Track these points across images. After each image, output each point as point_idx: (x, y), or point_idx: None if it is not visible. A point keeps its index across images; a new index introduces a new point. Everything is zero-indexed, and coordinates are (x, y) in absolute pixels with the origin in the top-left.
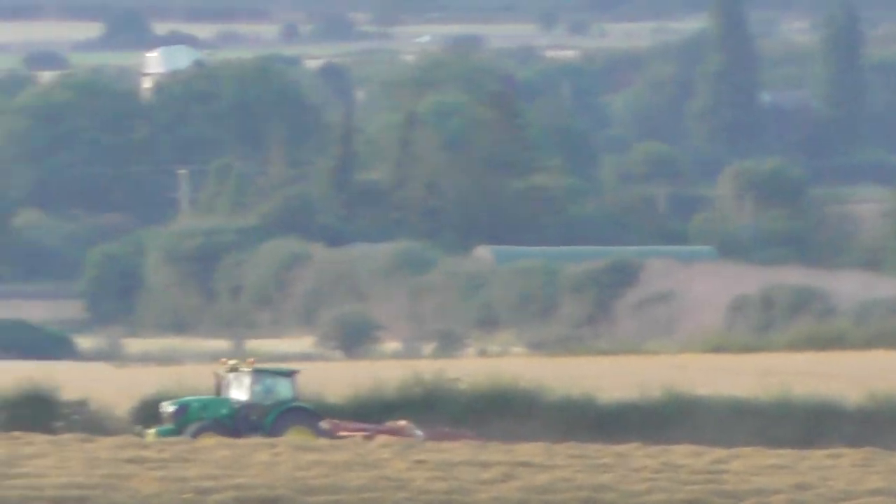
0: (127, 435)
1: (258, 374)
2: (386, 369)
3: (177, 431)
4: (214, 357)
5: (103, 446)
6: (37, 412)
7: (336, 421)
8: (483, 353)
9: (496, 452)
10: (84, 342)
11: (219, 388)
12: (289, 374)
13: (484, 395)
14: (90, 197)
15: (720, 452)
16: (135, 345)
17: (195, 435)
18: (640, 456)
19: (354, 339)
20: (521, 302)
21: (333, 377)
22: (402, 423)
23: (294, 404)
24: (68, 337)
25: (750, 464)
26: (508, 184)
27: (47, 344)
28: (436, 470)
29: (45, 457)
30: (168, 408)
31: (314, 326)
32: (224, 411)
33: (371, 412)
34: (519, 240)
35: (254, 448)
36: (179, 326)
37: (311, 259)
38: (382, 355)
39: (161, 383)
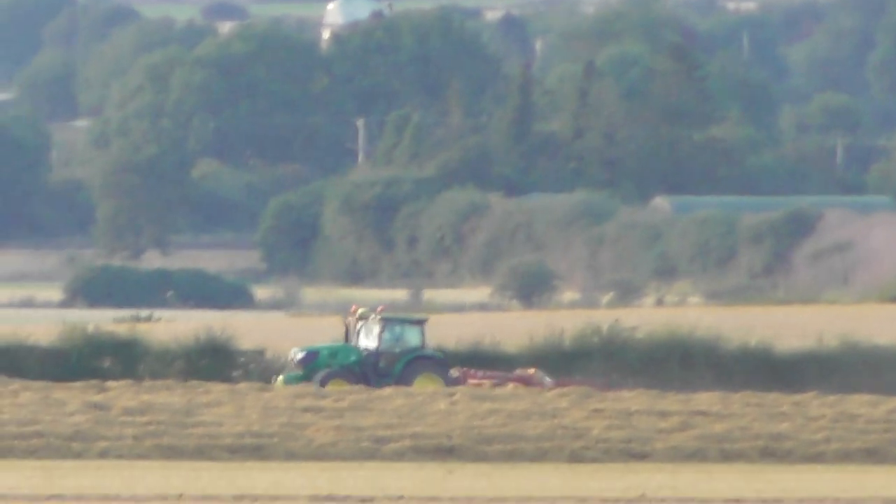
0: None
1: (387, 321)
2: (563, 319)
3: (305, 378)
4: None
5: (280, 395)
6: (214, 361)
7: (465, 369)
8: (660, 303)
9: (673, 402)
10: (261, 292)
11: (348, 335)
12: (418, 322)
13: (661, 344)
14: (268, 147)
15: None
16: (311, 295)
17: (324, 382)
18: (816, 405)
19: (531, 288)
20: (699, 252)
21: (510, 327)
22: (532, 370)
23: (423, 352)
24: (245, 287)
25: None
26: (687, 134)
27: (225, 294)
28: (613, 419)
29: (223, 405)
30: (297, 354)
31: (491, 276)
32: (353, 358)
33: (548, 362)
34: (697, 190)
35: (431, 397)
36: (356, 276)
37: (489, 209)
38: (560, 305)
39: (337, 333)
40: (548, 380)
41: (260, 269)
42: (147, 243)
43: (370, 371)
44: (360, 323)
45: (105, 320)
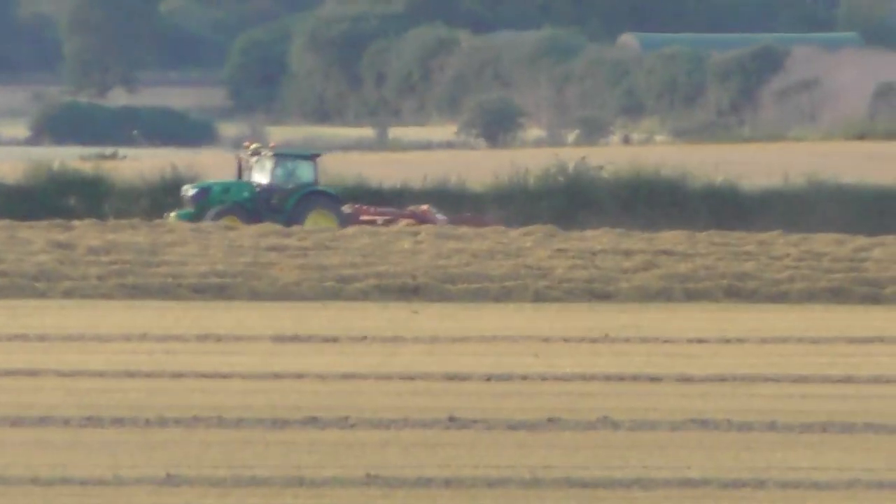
0: (267, 223)
1: (279, 157)
2: (529, 157)
3: (197, 215)
4: (359, 146)
5: (245, 234)
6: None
7: (358, 206)
8: (627, 141)
9: (638, 241)
10: (227, 129)
11: (240, 171)
12: (310, 157)
13: (627, 183)
14: None
15: (862, 241)
16: (278, 133)
17: (215, 218)
18: (781, 244)
19: (498, 126)
20: (666, 89)
21: (475, 165)
22: (424, 207)
23: (315, 188)
24: (212, 124)
25: (892, 252)
26: None
27: (191, 131)
28: (577, 258)
29: (187, 244)
30: (189, 191)
31: (458, 114)
32: (245, 195)
33: (512, 201)
34: (664, 26)
35: (395, 236)
36: (323, 114)
37: (457, 46)
38: (525, 143)
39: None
40: (440, 216)
41: (226, 106)
42: (114, 80)
43: (262, 207)
44: (253, 159)
45: (71, 158)
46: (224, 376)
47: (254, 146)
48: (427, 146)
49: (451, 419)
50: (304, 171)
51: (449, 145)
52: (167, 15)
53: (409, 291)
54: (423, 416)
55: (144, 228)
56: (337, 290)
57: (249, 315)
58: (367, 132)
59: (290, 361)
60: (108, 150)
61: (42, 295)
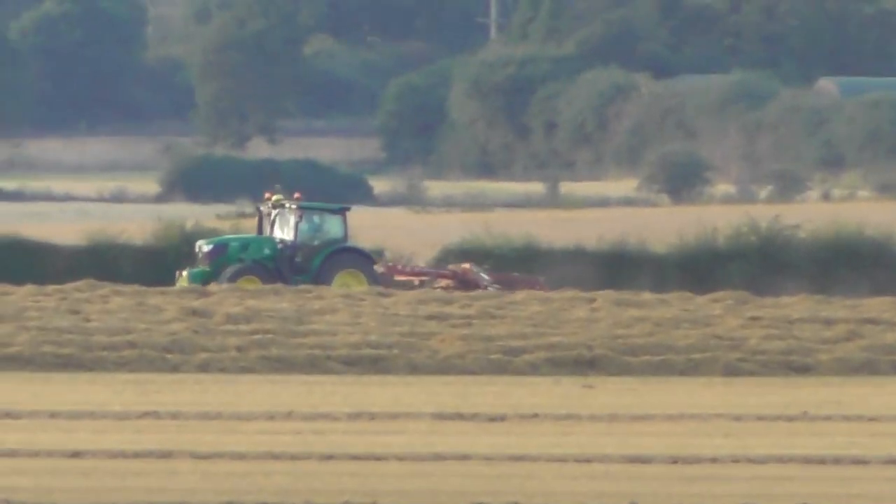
0: (427, 289)
1: (305, 210)
2: (717, 215)
3: (213, 274)
4: (527, 202)
5: (401, 301)
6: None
7: (391, 264)
8: (826, 197)
9: (840, 308)
10: (380, 185)
11: (261, 225)
12: (339, 210)
13: (826, 243)
14: (389, 22)
15: None
16: (436, 188)
17: (232, 278)
18: None
19: (682, 181)
20: (869, 139)
21: (657, 223)
22: (466, 265)
23: (345, 245)
24: (363, 179)
25: None
26: (856, 8)
27: (339, 187)
28: (772, 328)
29: (337, 312)
30: (204, 247)
31: (637, 167)
32: (266, 252)
33: (699, 262)
34: (867, 70)
35: (569, 302)
36: (486, 168)
37: (636, 92)
38: (713, 199)
39: (465, 231)
40: (485, 276)
41: (379, 159)
42: (252, 130)
43: (285, 266)
44: (275, 212)
45: (206, 216)
46: (379, 458)
47: (275, 198)
48: (603, 203)
49: None
50: (333, 226)
51: (628, 202)
52: (312, 58)
53: (585, 364)
54: (602, 502)
55: (289, 294)
56: (504, 362)
57: (407, 391)
58: (537, 187)
59: (452, 441)
60: (247, 208)
61: (175, 368)
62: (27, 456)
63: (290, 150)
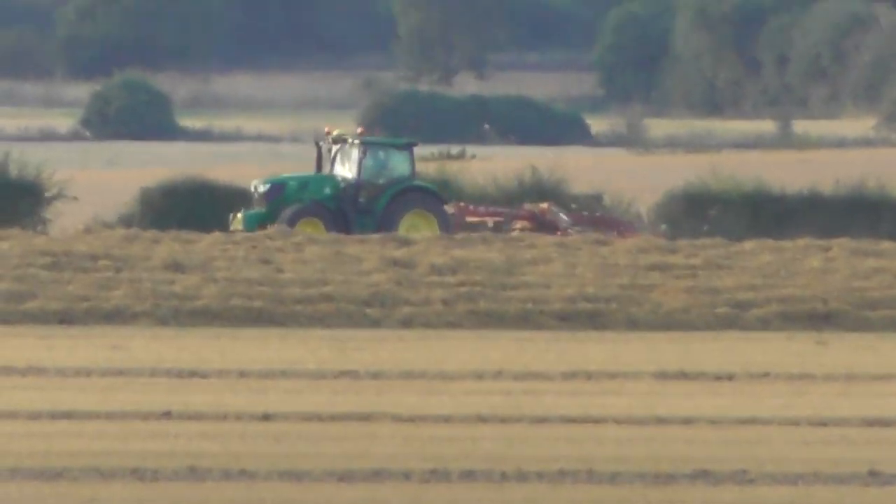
0: (648, 235)
1: (368, 146)
2: None
3: (269, 216)
4: (758, 142)
5: (620, 250)
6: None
7: (463, 204)
8: None
9: None
10: (598, 124)
11: (320, 163)
12: (406, 145)
13: None
14: None
15: None
16: (658, 127)
17: (292, 221)
18: None
19: None
20: None
21: None
22: (544, 205)
23: (412, 183)
24: (579, 117)
25: None
26: None
27: (554, 126)
28: None
29: (551, 262)
30: (260, 187)
31: (876, 105)
32: (327, 191)
33: None
34: None
35: (803, 252)
36: (713, 105)
37: (875, 23)
38: None
39: (690, 173)
40: (563, 216)
41: (596, 95)
42: (459, 64)
43: (349, 206)
44: (335, 147)
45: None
46: (596, 421)
47: (336, 132)
48: (840, 143)
49: (872, 473)
50: (399, 163)
51: (866, 142)
52: None
53: (819, 319)
54: (838, 470)
55: (499, 243)
56: (732, 317)
57: (626, 348)
58: (767, 126)
59: (675, 403)
60: (454, 149)
61: (376, 324)
62: (215, 419)
63: (501, 85)
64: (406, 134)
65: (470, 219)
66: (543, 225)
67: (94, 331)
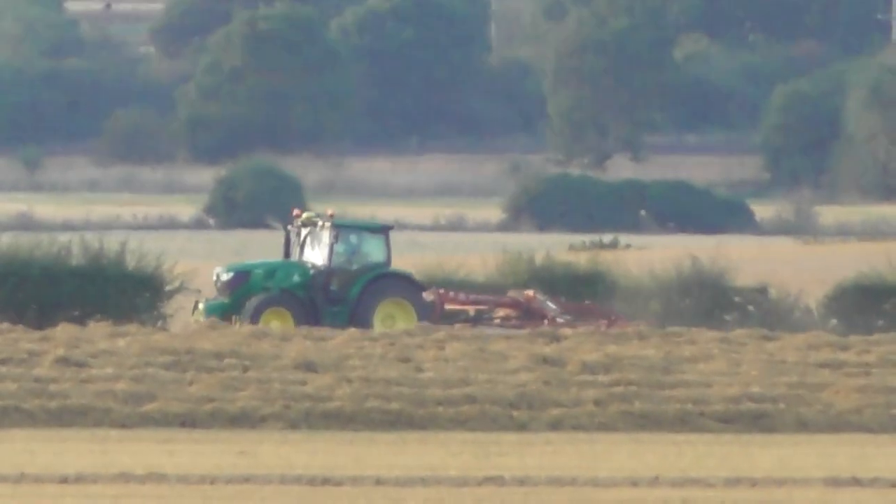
0: (818, 331)
1: (340, 229)
2: None
3: (233, 307)
4: None
5: (788, 346)
6: (702, 301)
7: (442, 291)
8: None
9: None
10: (763, 210)
11: (289, 249)
12: (380, 229)
13: None
14: (774, 19)
15: None
16: (828, 213)
17: (256, 312)
18: None
19: None
20: None
21: None
22: (530, 293)
23: (387, 270)
24: (743, 203)
25: None
26: None
27: (715, 212)
28: None
29: (712, 360)
30: (223, 275)
31: None
32: (296, 279)
33: None
34: None
35: None
36: (887, 189)
37: None
38: None
39: (862, 263)
40: (552, 305)
41: (761, 180)
42: (613, 146)
43: (318, 295)
44: (305, 231)
45: (558, 247)
46: None
47: (305, 215)
48: None
49: None
50: (373, 248)
51: None
52: (683, 62)
53: None
54: None
55: (655, 338)
56: None
57: (795, 452)
58: None
59: None
60: (607, 237)
61: (522, 426)
62: None
63: (657, 169)
64: (556, 221)
65: (450, 307)
66: (529, 313)
67: (219, 435)
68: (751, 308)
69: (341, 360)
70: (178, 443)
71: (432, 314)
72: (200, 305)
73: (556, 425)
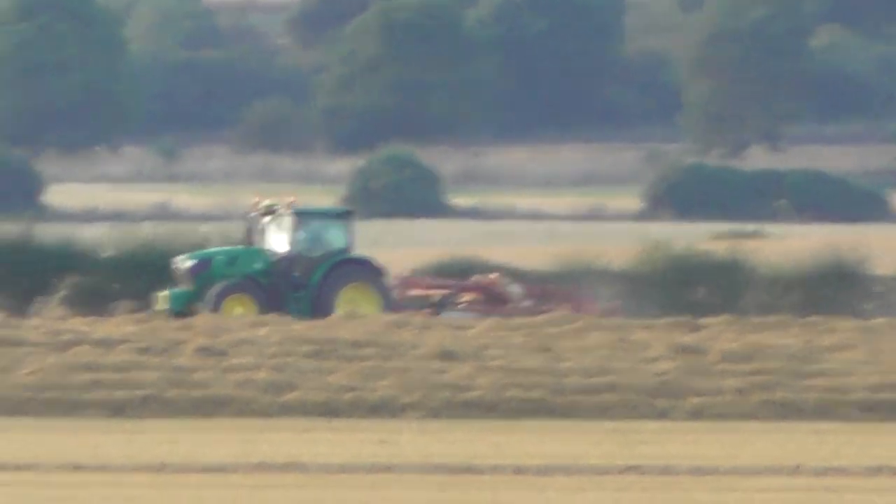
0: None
1: (301, 216)
2: None
3: (196, 295)
4: None
5: None
6: (841, 290)
7: (406, 277)
8: None
9: None
10: None
11: (250, 235)
12: (342, 214)
13: None
14: None
15: None
16: None
17: (219, 298)
18: None
19: None
20: None
21: None
22: (493, 276)
23: (349, 255)
24: (880, 193)
25: None
26: None
27: (854, 202)
28: None
29: (852, 349)
30: (184, 263)
31: None
32: (257, 266)
33: None
34: None
35: None
36: None
37: None
38: None
39: None
40: (515, 288)
41: None
42: (751, 136)
43: (281, 282)
44: (265, 219)
45: (697, 236)
46: None
47: (265, 203)
48: None
49: None
50: (335, 234)
51: None
52: (821, 52)
53: None
54: None
55: (796, 328)
56: None
57: None
58: None
59: None
60: (747, 227)
61: (663, 415)
62: None
63: (796, 159)
64: (694, 210)
65: (413, 292)
66: (493, 297)
67: (359, 424)
68: (894, 296)
69: (481, 349)
70: (318, 432)
71: (396, 299)
72: (163, 294)
73: (696, 414)
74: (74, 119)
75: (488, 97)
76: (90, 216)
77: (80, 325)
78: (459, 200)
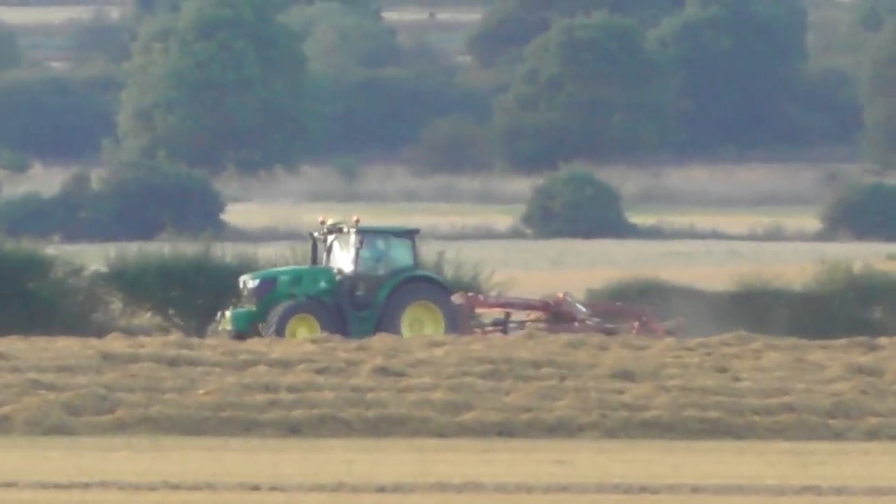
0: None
1: (366, 234)
2: None
3: (260, 315)
4: None
5: None
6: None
7: (472, 295)
8: None
9: None
10: None
11: (316, 255)
12: (406, 233)
13: None
14: None
15: None
16: None
17: (283, 319)
18: None
19: None
20: None
21: None
22: (561, 295)
23: (415, 273)
24: None
25: None
26: None
27: None
28: None
29: None
30: (249, 282)
31: None
32: (323, 285)
33: None
34: None
35: None
36: None
37: None
38: None
39: None
40: (581, 307)
41: None
42: None
43: (345, 301)
44: (331, 238)
45: (877, 257)
46: None
47: (331, 221)
48: None
49: None
50: (400, 252)
51: None
52: None
53: None
54: None
55: None
56: None
57: None
58: None
59: None
60: None
61: (839, 436)
62: None
63: None
64: (872, 230)
65: (480, 310)
66: (559, 316)
67: (536, 444)
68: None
69: (658, 368)
70: (495, 452)
71: (461, 318)
72: (227, 314)
73: (873, 434)
74: (254, 138)
75: (668, 117)
76: (269, 235)
77: (258, 345)
78: (638, 220)
